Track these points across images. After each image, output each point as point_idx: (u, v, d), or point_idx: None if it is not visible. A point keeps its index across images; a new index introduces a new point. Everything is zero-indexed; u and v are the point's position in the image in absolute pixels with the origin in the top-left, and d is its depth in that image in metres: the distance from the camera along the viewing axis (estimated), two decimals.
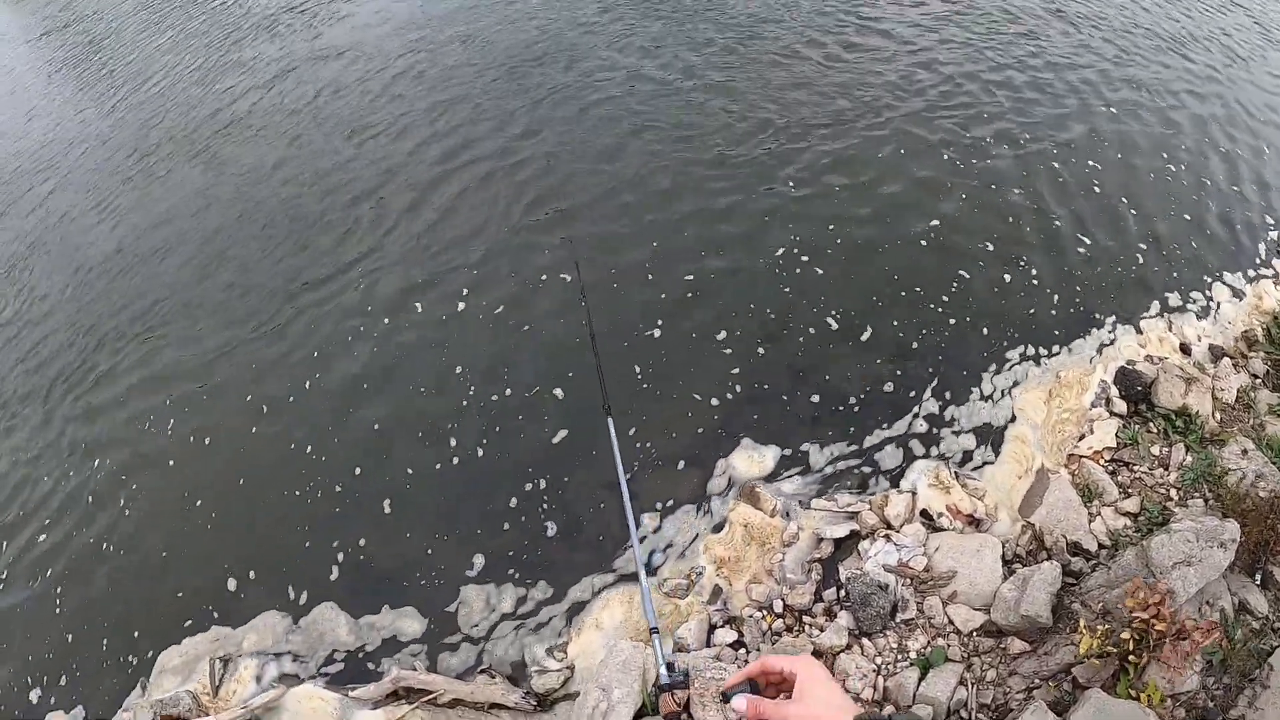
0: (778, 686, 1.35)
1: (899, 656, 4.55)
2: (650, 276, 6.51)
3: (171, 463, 6.12)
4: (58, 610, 5.46)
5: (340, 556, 5.30)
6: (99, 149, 10.83)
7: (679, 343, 6.01)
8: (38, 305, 8.30)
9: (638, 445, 5.50)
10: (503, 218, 7.42)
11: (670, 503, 5.26)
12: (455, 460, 5.66)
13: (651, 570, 5.01)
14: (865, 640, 4.64)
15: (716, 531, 5.12)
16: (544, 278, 6.66)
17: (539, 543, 5.20)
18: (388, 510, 5.48)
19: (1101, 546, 4.80)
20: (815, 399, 5.60)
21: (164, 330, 7.33)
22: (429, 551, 5.25)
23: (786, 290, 6.27)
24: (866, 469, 5.32)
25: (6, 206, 10.35)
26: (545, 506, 5.31)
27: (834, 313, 6.09)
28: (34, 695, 5.10)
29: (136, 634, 5.16)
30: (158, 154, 10.17)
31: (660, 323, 6.12)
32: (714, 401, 5.67)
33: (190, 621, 5.13)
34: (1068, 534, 4.88)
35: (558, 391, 5.86)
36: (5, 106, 13.80)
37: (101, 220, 9.20)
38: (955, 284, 6.22)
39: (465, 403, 5.95)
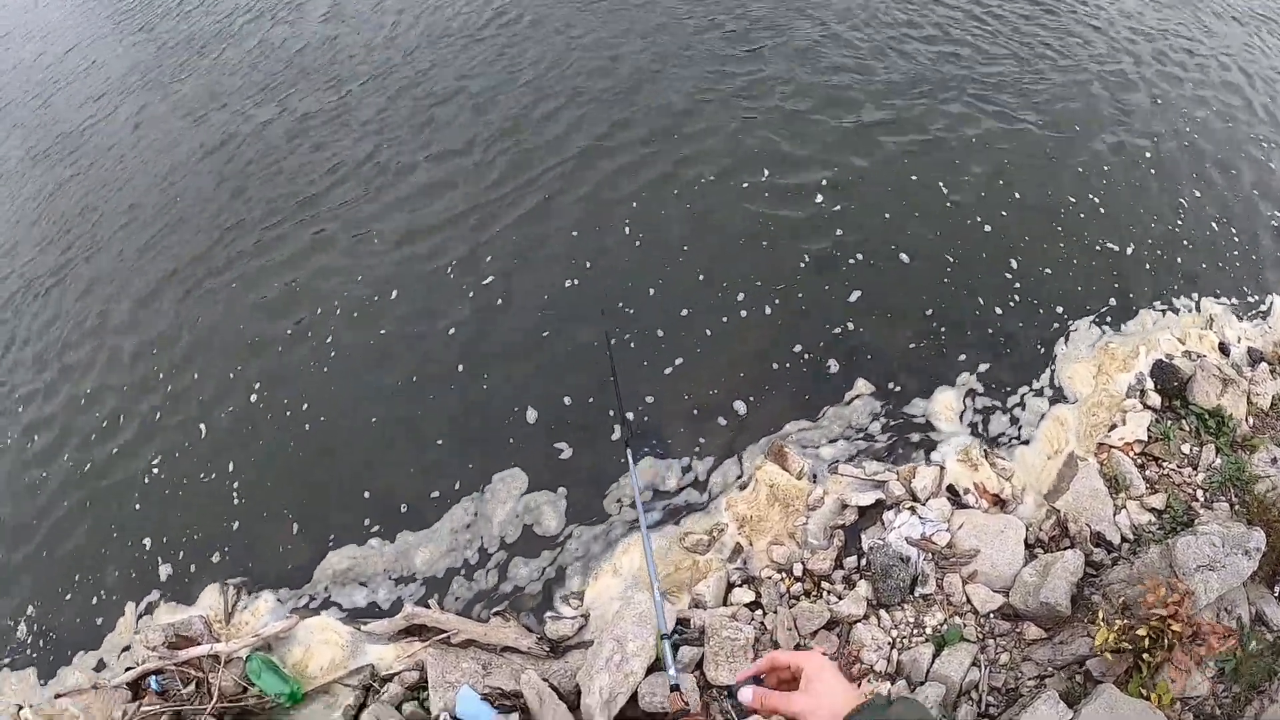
0: (786, 682, 1.39)
1: (915, 631, 4.56)
2: (682, 230, 6.17)
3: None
4: (235, 487, 5.39)
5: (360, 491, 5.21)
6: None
7: (712, 298, 5.74)
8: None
9: (668, 392, 5.28)
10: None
11: (696, 454, 5.10)
12: (476, 393, 5.45)
13: (674, 522, 4.88)
14: (883, 612, 4.63)
15: (741, 489, 4.98)
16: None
17: (561, 488, 5.04)
18: (417, 448, 5.35)
19: (1124, 540, 4.80)
20: (851, 362, 5.41)
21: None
22: (441, 490, 5.10)
23: (824, 245, 5.96)
24: (896, 438, 5.19)
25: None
26: (568, 453, 5.10)
27: (877, 274, 5.81)
28: (165, 570, 5.04)
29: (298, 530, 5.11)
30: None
31: (700, 276, 5.83)
32: (746, 357, 5.45)
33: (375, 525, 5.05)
34: (1092, 524, 4.86)
35: (593, 341, 5.59)
36: None
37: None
38: (1006, 252, 5.95)
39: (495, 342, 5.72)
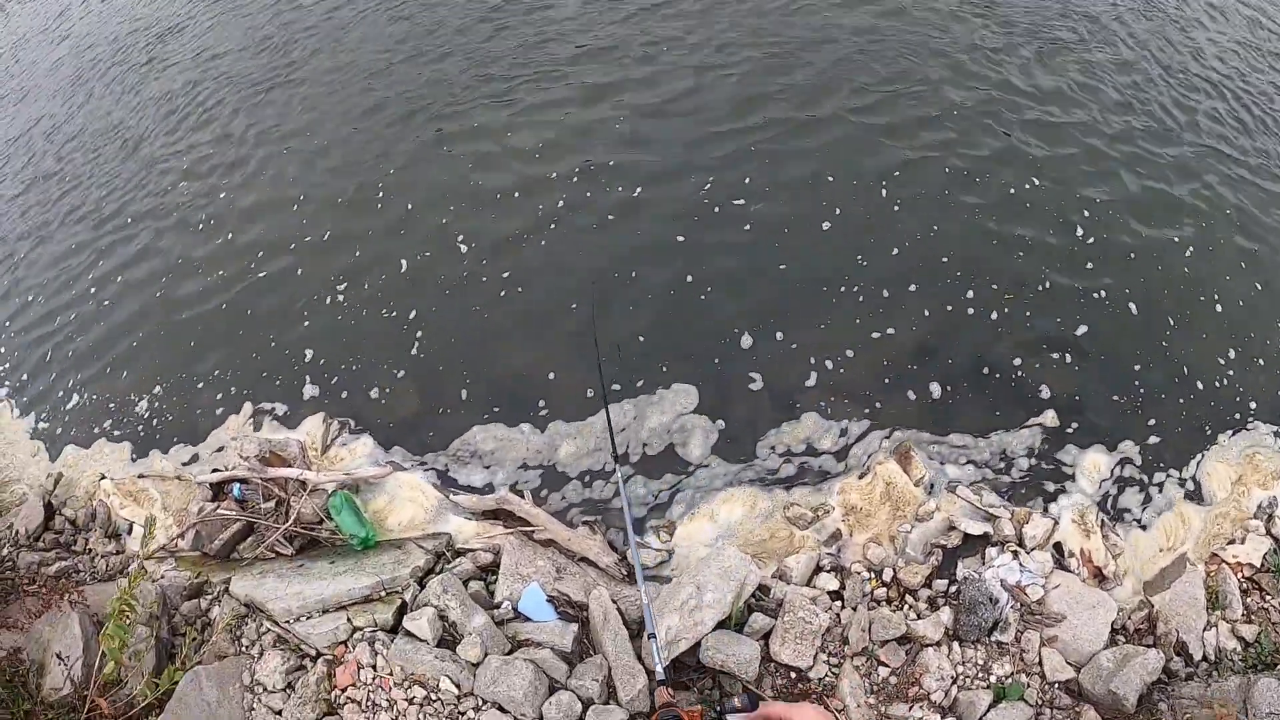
0: None
1: (980, 674, 4.45)
2: (938, 212, 5.69)
3: None
4: (417, 336, 5.08)
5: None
6: None
7: (943, 283, 5.38)
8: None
9: (866, 355, 5.10)
10: None
11: (859, 420, 4.86)
12: (694, 305, 5.21)
13: (785, 488, 4.57)
14: (956, 644, 4.49)
15: (860, 478, 4.67)
16: None
17: (721, 419, 4.80)
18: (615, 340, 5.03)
19: (1205, 658, 4.68)
20: (1055, 392, 5.06)
21: None
22: (622, 384, 4.87)
23: (1069, 272, 5.55)
24: (1030, 478, 4.90)
25: None
26: (758, 384, 4.87)
27: (1106, 316, 5.39)
28: (309, 391, 4.79)
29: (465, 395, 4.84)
30: None
31: (942, 259, 5.47)
32: (956, 350, 5.17)
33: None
34: (1180, 630, 4.73)
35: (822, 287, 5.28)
36: None
37: None
38: (1229, 336, 5.46)
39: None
